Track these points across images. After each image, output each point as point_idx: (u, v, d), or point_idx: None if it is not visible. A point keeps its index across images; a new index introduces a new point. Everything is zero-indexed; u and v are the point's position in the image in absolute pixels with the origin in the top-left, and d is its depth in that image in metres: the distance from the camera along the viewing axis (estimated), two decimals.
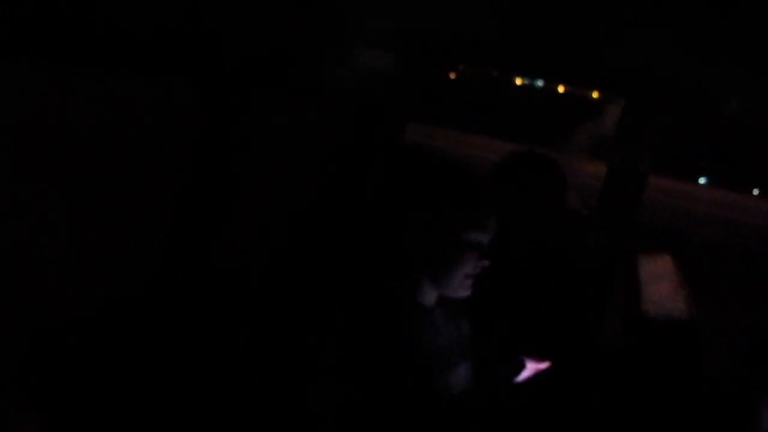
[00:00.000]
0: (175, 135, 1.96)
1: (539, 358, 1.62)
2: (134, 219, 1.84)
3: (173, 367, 1.83)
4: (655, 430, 1.86)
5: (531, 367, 1.60)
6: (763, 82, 2.52)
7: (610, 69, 2.75)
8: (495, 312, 1.78)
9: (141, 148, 1.83)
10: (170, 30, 1.93)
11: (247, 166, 2.14)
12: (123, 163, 1.78)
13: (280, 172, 2.30)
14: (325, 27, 2.62)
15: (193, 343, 1.88)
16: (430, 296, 1.46)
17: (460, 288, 1.44)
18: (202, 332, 1.91)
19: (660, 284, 1.94)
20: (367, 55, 2.89)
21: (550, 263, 1.98)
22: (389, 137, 2.79)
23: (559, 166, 1.97)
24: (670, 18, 2.45)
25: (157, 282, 1.93)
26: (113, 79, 1.75)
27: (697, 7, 2.28)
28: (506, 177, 1.92)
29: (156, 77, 1.87)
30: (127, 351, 1.76)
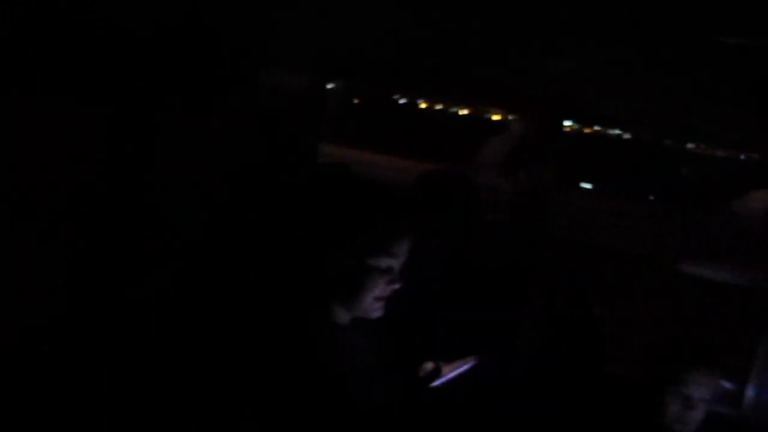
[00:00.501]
0: (80, 150, 1.92)
1: (457, 361, 1.64)
2: (41, 237, 1.79)
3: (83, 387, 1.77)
4: (569, 424, 1.92)
5: (449, 371, 1.61)
6: (653, 99, 2.70)
7: (514, 89, 2.88)
8: (414, 323, 1.80)
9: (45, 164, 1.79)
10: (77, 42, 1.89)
11: (154, 180, 2.11)
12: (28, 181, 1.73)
13: (185, 187, 2.27)
14: (236, 43, 2.61)
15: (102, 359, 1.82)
16: (343, 316, 1.44)
17: (371, 310, 1.42)
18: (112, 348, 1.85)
19: (571, 287, 2.03)
20: (281, 73, 2.90)
21: (468, 273, 2.03)
22: (301, 157, 2.79)
23: (473, 183, 2.04)
24: (573, 43, 2.60)
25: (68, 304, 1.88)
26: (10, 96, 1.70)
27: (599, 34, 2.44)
28: (424, 195, 1.97)
29: (61, 94, 1.83)
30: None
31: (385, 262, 1.40)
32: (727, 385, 2.67)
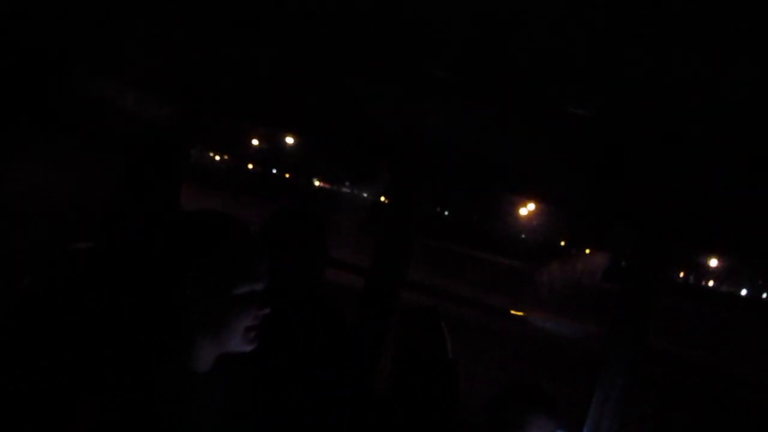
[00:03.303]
0: None
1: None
2: None
3: None
4: None
5: None
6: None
7: (376, 140, 2.98)
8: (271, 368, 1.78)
9: None
10: None
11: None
12: None
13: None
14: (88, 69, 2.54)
15: None
16: (206, 359, 1.39)
17: (243, 342, 1.40)
18: None
19: (427, 333, 2.08)
20: (142, 100, 2.84)
21: (320, 313, 2.06)
22: (161, 191, 2.71)
23: (318, 218, 2.10)
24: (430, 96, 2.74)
25: None
26: None
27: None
28: (274, 232, 2.00)
29: None
30: None
31: (251, 287, 1.38)
32: None
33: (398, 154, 2.99)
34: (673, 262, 2.98)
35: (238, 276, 1.38)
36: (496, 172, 3.00)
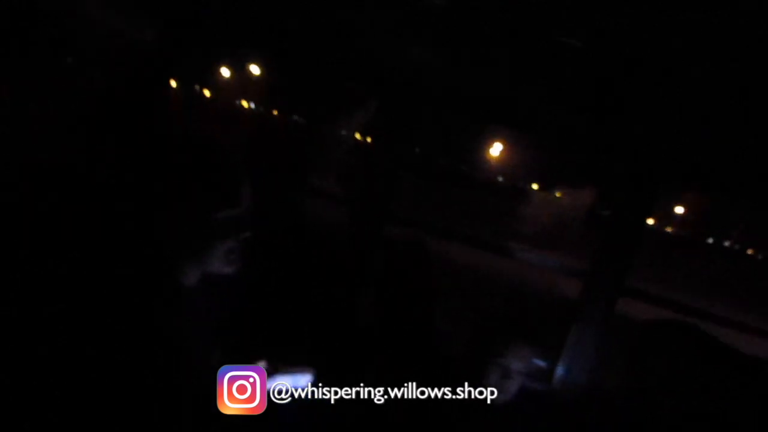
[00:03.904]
0: None
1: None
2: None
3: None
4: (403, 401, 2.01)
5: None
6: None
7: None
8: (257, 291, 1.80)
9: None
10: None
11: None
12: None
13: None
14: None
15: None
16: (191, 278, 1.43)
17: (225, 264, 1.43)
18: None
19: (412, 265, 2.09)
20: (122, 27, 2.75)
21: (301, 237, 2.07)
22: (139, 116, 2.67)
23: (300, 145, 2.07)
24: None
25: None
26: None
27: None
28: (256, 157, 1.99)
29: None
30: None
31: (230, 212, 1.40)
32: (540, 363, 2.90)
33: (386, 83, 2.94)
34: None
35: (218, 200, 1.39)
36: (482, 104, 2.95)
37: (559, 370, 3.00)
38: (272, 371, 1.64)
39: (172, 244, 1.37)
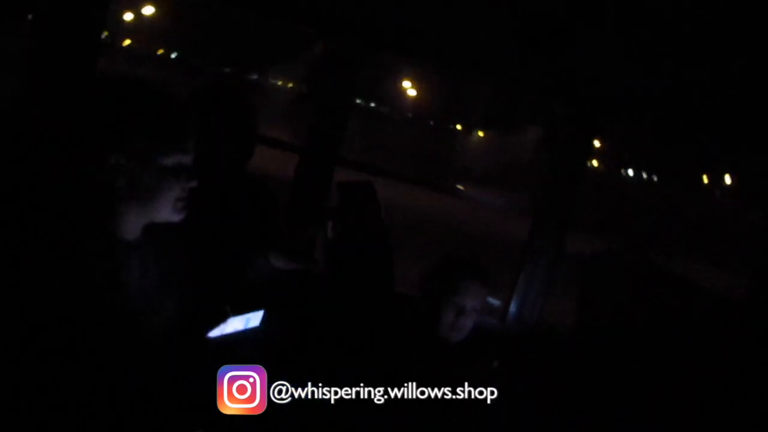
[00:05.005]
0: None
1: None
2: None
3: None
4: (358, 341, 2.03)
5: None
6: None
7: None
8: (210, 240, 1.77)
9: None
10: None
11: None
12: None
13: None
14: None
15: None
16: (134, 228, 1.39)
17: (171, 212, 1.39)
18: None
19: (363, 206, 2.08)
20: None
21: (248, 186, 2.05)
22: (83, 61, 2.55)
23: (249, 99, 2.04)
24: None
25: None
26: None
27: None
28: (203, 105, 1.94)
29: None
30: None
31: (177, 159, 1.37)
32: (494, 301, 2.96)
33: (333, 24, 2.86)
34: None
35: (164, 145, 1.35)
36: (417, 38, 2.89)
37: (512, 308, 3.06)
38: (226, 315, 1.64)
39: (117, 189, 1.33)
